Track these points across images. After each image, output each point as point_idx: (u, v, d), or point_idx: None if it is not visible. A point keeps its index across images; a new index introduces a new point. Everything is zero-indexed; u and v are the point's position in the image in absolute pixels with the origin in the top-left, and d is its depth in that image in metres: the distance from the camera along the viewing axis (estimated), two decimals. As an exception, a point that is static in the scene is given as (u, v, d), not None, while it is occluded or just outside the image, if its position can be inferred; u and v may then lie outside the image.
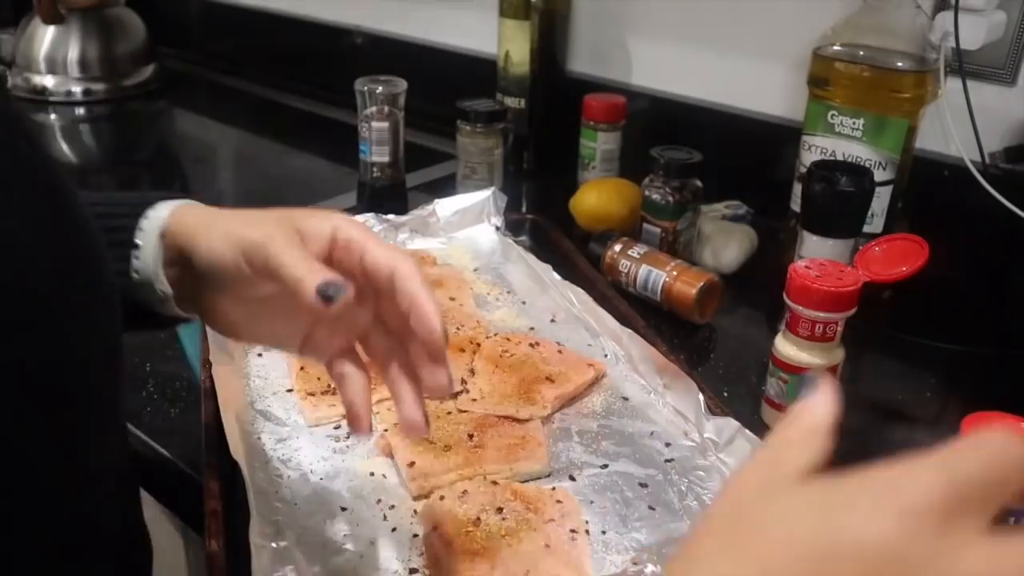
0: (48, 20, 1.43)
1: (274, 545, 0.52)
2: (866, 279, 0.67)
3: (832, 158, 0.84)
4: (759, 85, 1.03)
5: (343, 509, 0.56)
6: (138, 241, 0.50)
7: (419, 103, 1.12)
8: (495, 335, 0.74)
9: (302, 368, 0.68)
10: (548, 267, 0.83)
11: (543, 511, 0.55)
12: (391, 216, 0.91)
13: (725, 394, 0.72)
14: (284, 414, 0.65)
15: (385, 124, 1.00)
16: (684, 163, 0.87)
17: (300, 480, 0.58)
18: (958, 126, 0.83)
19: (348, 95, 1.08)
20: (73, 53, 1.46)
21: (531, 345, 0.72)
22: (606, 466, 0.61)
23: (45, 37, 1.46)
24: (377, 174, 1.02)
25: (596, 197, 0.98)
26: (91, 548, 0.40)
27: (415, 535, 0.55)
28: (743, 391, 0.73)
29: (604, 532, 0.55)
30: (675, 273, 0.82)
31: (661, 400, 0.68)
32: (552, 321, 0.79)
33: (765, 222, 0.97)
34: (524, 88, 1.14)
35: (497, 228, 0.93)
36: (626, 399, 0.68)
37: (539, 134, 1.16)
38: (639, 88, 1.13)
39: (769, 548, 0.28)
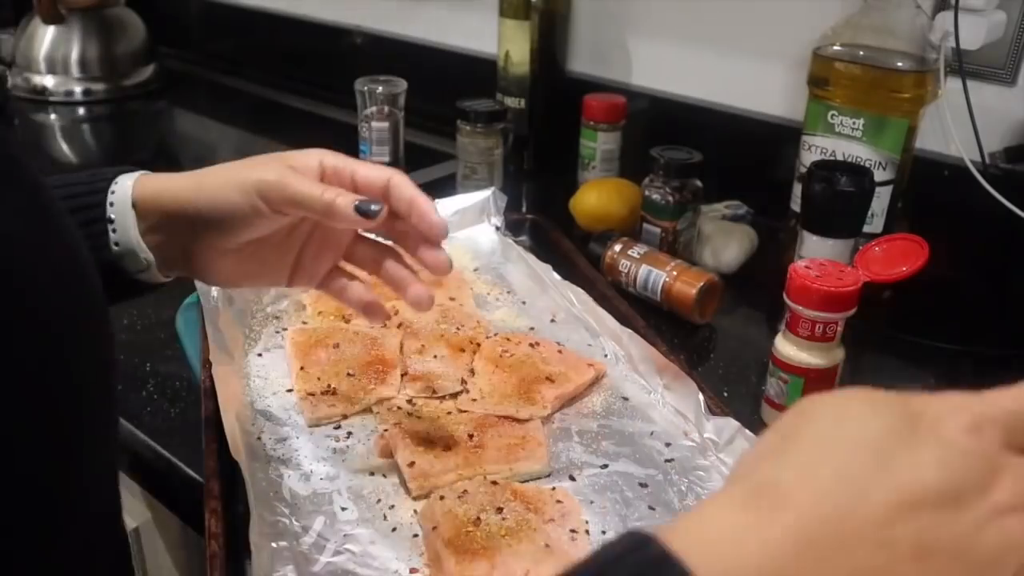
0: (48, 20, 1.43)
1: (274, 545, 0.52)
2: (866, 279, 0.66)
3: (832, 158, 0.84)
4: (759, 85, 1.03)
5: (343, 509, 0.56)
6: (112, 215, 0.52)
7: (419, 103, 1.12)
8: (495, 335, 0.74)
9: (302, 368, 0.68)
10: (548, 267, 0.83)
11: (543, 511, 0.55)
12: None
13: (725, 394, 0.72)
14: (284, 414, 0.65)
15: (385, 124, 1.00)
16: (684, 163, 0.87)
17: (300, 480, 0.58)
18: (958, 126, 0.83)
19: (348, 95, 1.08)
20: (73, 53, 1.46)
21: (531, 345, 0.72)
22: (606, 466, 0.61)
23: (45, 37, 1.46)
24: (377, 174, 1.02)
25: (596, 197, 0.98)
26: (78, 551, 0.40)
27: (415, 535, 0.55)
28: (743, 391, 0.73)
29: (604, 532, 0.55)
30: (675, 273, 0.82)
31: (661, 400, 0.68)
32: (552, 321, 0.79)
33: (765, 222, 0.98)
34: (524, 88, 1.14)
35: (497, 228, 0.93)
36: (626, 399, 0.68)
37: (539, 134, 1.16)
38: (639, 88, 1.13)
39: (828, 442, 0.30)
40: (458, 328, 0.74)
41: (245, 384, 0.68)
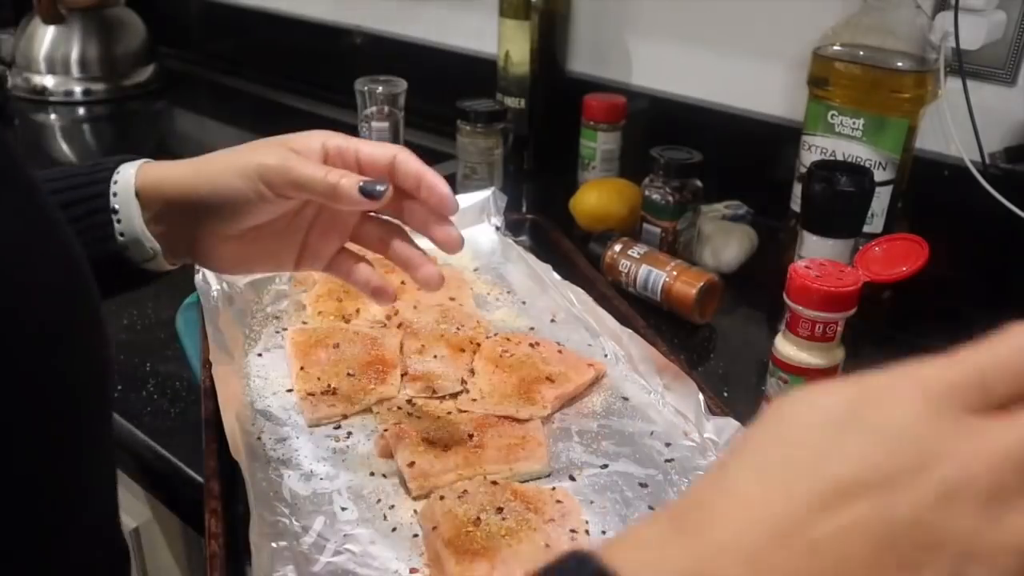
0: (48, 20, 1.43)
1: (274, 545, 0.52)
2: (866, 279, 0.66)
3: (832, 158, 0.84)
4: (759, 85, 1.03)
5: (343, 509, 0.56)
6: (116, 206, 0.51)
7: (419, 103, 1.12)
8: (495, 335, 0.74)
9: (302, 368, 0.68)
10: (548, 267, 0.83)
11: (543, 511, 0.55)
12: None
13: (725, 394, 0.72)
14: (284, 414, 0.65)
15: (385, 124, 1.00)
16: (684, 163, 0.87)
17: (300, 480, 0.58)
18: (958, 126, 0.83)
19: (348, 95, 1.08)
20: (73, 53, 1.46)
21: (531, 345, 0.72)
22: (606, 466, 0.61)
23: (45, 37, 1.46)
24: (377, 174, 1.02)
25: (596, 197, 0.98)
26: (76, 562, 0.40)
27: (415, 535, 0.55)
28: (743, 391, 0.73)
29: (604, 532, 0.55)
30: (675, 273, 0.82)
31: (661, 400, 0.68)
32: (552, 321, 0.79)
33: (765, 222, 0.98)
34: (524, 88, 1.14)
35: (497, 228, 0.93)
36: (626, 399, 0.68)
37: (539, 134, 1.16)
38: (639, 88, 1.13)
39: (785, 424, 0.28)
40: (458, 328, 0.74)
41: (245, 384, 0.68)
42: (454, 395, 0.67)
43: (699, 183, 0.89)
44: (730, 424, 0.61)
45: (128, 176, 0.52)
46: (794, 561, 0.25)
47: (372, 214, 0.56)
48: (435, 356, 0.71)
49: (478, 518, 0.53)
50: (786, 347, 0.66)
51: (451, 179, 1.08)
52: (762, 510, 0.26)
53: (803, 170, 0.85)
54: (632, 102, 1.06)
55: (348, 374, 0.67)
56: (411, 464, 0.58)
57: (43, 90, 1.46)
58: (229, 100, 1.55)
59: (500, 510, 0.54)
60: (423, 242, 0.56)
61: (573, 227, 0.99)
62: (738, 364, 0.77)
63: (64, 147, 1.38)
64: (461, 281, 0.82)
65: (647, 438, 0.64)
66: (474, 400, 0.66)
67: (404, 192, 0.53)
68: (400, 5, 1.37)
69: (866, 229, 0.80)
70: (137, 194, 0.52)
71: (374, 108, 1.00)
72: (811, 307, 0.63)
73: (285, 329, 0.74)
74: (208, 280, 0.76)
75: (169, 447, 0.64)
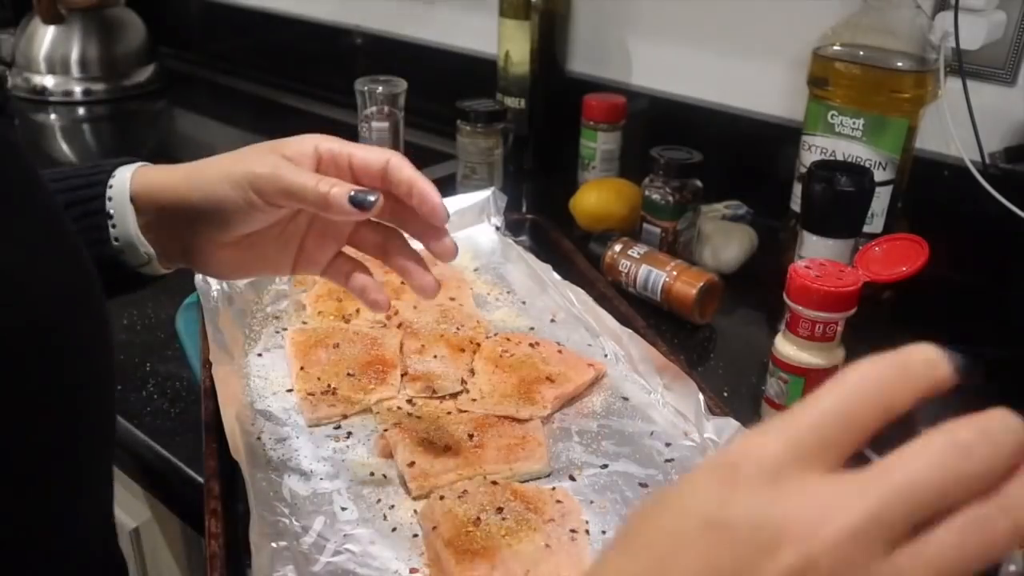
0: (48, 20, 1.43)
1: (274, 545, 0.52)
2: (866, 279, 0.66)
3: (832, 158, 0.84)
4: (759, 85, 1.03)
5: (343, 509, 0.56)
6: (111, 211, 0.51)
7: (419, 103, 1.12)
8: (495, 335, 0.74)
9: (302, 368, 0.68)
10: (548, 267, 0.83)
11: (543, 511, 0.55)
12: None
13: (725, 394, 0.72)
14: (284, 414, 0.65)
15: (385, 124, 1.00)
16: (684, 163, 0.87)
17: (300, 480, 0.58)
18: (958, 126, 0.83)
19: (348, 95, 1.08)
20: (73, 53, 1.46)
21: (531, 345, 0.72)
22: (606, 466, 0.61)
23: (45, 37, 1.46)
24: (377, 174, 1.02)
25: (596, 197, 0.98)
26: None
27: (415, 535, 0.55)
28: (743, 391, 0.73)
29: (604, 532, 0.55)
30: (675, 273, 0.82)
31: (661, 400, 0.68)
32: (552, 321, 0.79)
33: (765, 222, 0.97)
34: (524, 88, 1.14)
35: (497, 228, 0.93)
36: (626, 399, 0.68)
37: (539, 134, 1.16)
38: (639, 88, 1.13)
39: (640, 528, 0.28)
40: (458, 328, 0.74)
41: (245, 384, 0.68)
42: (454, 395, 0.67)
43: (699, 183, 0.89)
44: (730, 424, 0.61)
45: (123, 180, 0.52)
46: None
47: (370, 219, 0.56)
48: (435, 356, 0.71)
49: (478, 518, 0.53)
50: (786, 347, 0.66)
51: (451, 179, 1.08)
52: None
53: (803, 170, 0.85)
54: (632, 102, 1.06)
55: (348, 374, 0.67)
56: (411, 464, 0.58)
57: (43, 90, 1.46)
58: (229, 100, 1.54)
59: (500, 510, 0.54)
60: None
61: (573, 227, 0.99)
62: (738, 364, 0.77)
63: (64, 147, 1.38)
64: (461, 281, 0.82)
65: (647, 438, 0.64)
66: (474, 400, 0.66)
67: (397, 198, 0.52)
68: (400, 5, 1.37)
69: (866, 229, 0.80)
70: (132, 200, 0.52)
71: (374, 108, 1.00)
72: (811, 307, 0.63)
73: (285, 329, 0.74)
74: (208, 280, 0.75)
75: (169, 447, 0.64)
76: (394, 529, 0.55)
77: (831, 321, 0.64)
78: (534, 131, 1.16)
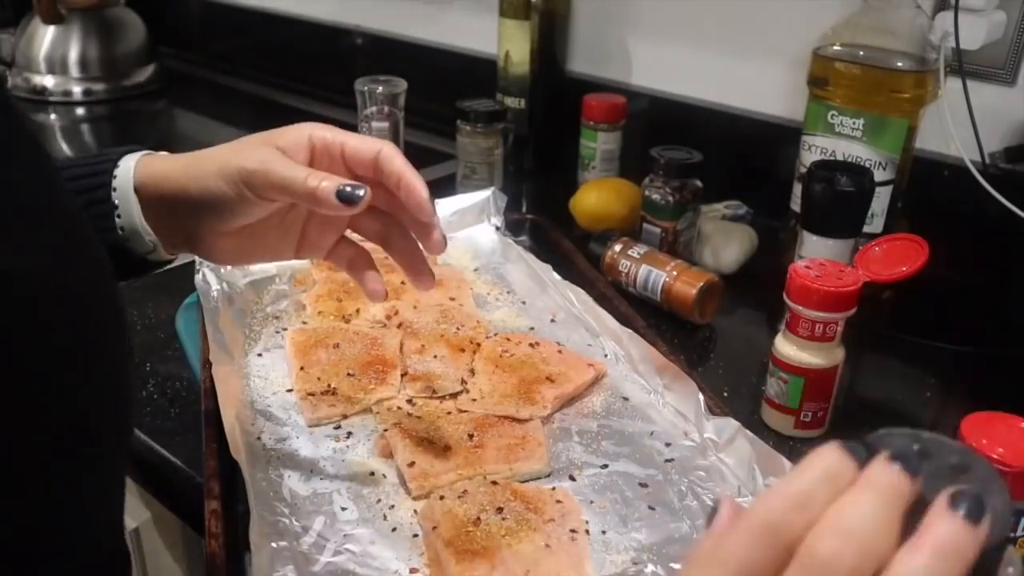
0: (48, 20, 1.43)
1: (274, 545, 0.52)
2: (866, 279, 0.67)
3: (832, 158, 0.84)
4: (759, 85, 1.03)
5: (343, 509, 0.56)
6: (116, 200, 0.52)
7: (419, 103, 1.12)
8: (495, 335, 0.74)
9: (302, 368, 0.68)
10: (548, 267, 0.83)
11: (543, 511, 0.55)
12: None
13: (725, 394, 0.72)
14: (284, 414, 0.65)
15: (385, 124, 1.00)
16: (684, 163, 0.87)
17: (300, 480, 0.58)
18: (958, 126, 0.83)
19: (348, 95, 1.08)
20: (73, 53, 1.46)
21: (531, 345, 0.72)
22: (606, 466, 0.61)
23: (45, 37, 1.46)
24: (377, 174, 1.02)
25: (596, 197, 0.98)
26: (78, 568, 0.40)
27: (415, 535, 0.55)
28: (743, 391, 0.73)
29: (604, 532, 0.55)
30: (675, 273, 0.82)
31: (661, 400, 0.68)
32: (552, 321, 0.79)
33: (765, 222, 0.97)
34: (524, 88, 1.14)
35: (497, 228, 0.93)
36: (626, 399, 0.68)
37: (539, 134, 1.16)
38: (639, 88, 1.13)
39: None
40: (458, 328, 0.74)
41: (245, 384, 0.68)
42: (454, 395, 0.67)
43: (699, 183, 0.89)
44: (730, 424, 0.61)
45: (128, 170, 0.53)
46: None
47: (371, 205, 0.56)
48: (435, 356, 0.71)
49: (478, 518, 0.53)
50: (786, 347, 0.66)
51: (451, 179, 1.08)
52: None
53: (803, 170, 0.85)
54: (632, 102, 1.06)
55: (348, 374, 0.67)
56: (411, 464, 0.58)
57: (43, 90, 1.46)
58: (229, 100, 1.55)
59: (500, 510, 0.54)
60: None
61: (573, 227, 0.99)
62: (738, 364, 0.77)
63: (64, 147, 1.38)
64: (461, 281, 0.82)
65: (647, 438, 0.64)
66: (474, 400, 0.66)
67: (388, 188, 0.53)
68: (400, 5, 1.37)
69: (866, 229, 0.80)
70: (136, 190, 0.52)
71: (374, 108, 1.00)
72: (811, 307, 0.63)
73: (285, 329, 0.74)
74: (208, 280, 0.76)
75: (169, 447, 0.64)
76: (394, 529, 0.55)
77: (831, 321, 0.64)
78: (534, 131, 1.16)
